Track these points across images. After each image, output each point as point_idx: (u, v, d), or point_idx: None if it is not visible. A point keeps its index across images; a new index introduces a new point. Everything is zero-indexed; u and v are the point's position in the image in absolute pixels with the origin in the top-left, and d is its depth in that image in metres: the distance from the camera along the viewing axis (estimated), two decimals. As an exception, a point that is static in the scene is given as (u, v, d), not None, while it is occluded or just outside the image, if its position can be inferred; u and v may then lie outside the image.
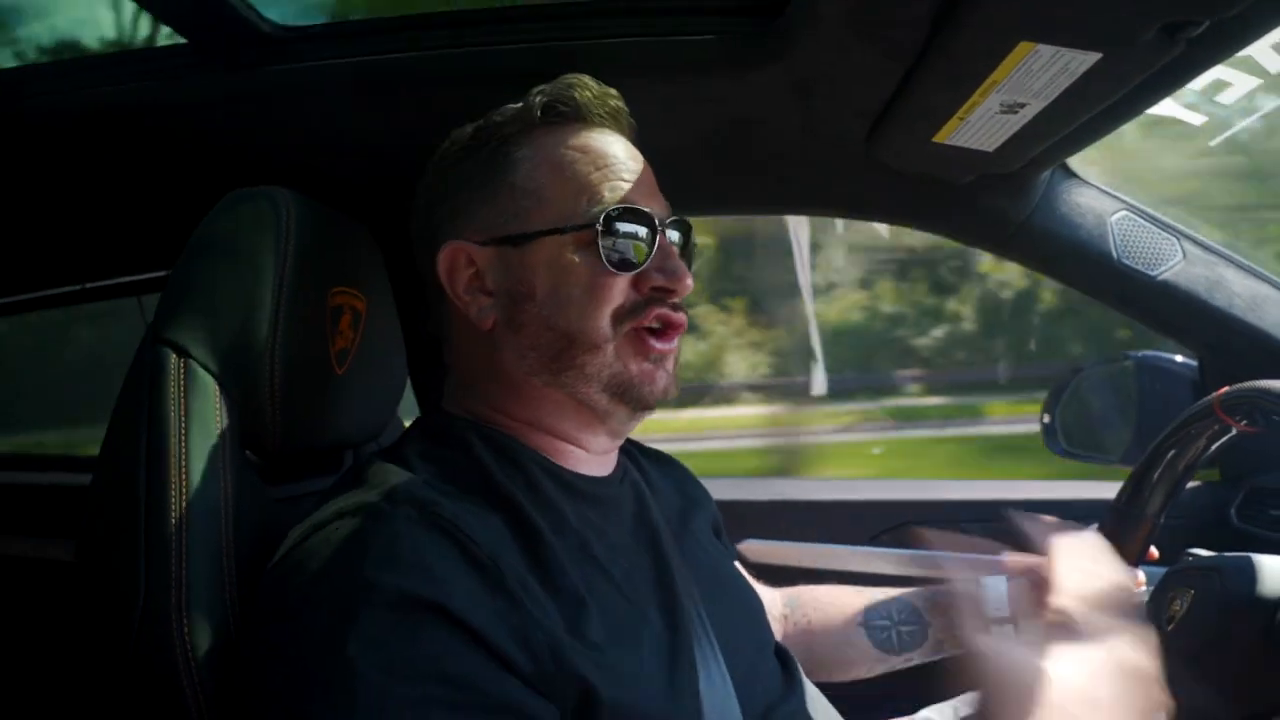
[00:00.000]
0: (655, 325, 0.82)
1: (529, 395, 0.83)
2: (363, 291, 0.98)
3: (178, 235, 0.91)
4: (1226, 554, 0.97)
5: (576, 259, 0.80)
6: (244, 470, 0.85)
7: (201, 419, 0.81)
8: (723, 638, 0.83)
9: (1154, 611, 0.95)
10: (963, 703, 1.22)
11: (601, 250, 0.79)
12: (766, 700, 0.88)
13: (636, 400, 0.82)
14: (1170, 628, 0.91)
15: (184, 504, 0.77)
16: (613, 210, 0.79)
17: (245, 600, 0.78)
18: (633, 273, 0.80)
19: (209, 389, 0.82)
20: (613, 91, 0.86)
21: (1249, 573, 0.86)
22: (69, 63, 1.07)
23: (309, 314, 0.88)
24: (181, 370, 0.82)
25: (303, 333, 0.87)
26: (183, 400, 0.81)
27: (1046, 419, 1.65)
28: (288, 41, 1.03)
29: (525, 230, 0.81)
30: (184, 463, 0.79)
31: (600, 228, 0.79)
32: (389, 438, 1.17)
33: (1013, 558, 1.06)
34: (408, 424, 0.90)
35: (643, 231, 0.80)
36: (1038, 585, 1.11)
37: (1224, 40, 0.79)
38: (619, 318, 0.80)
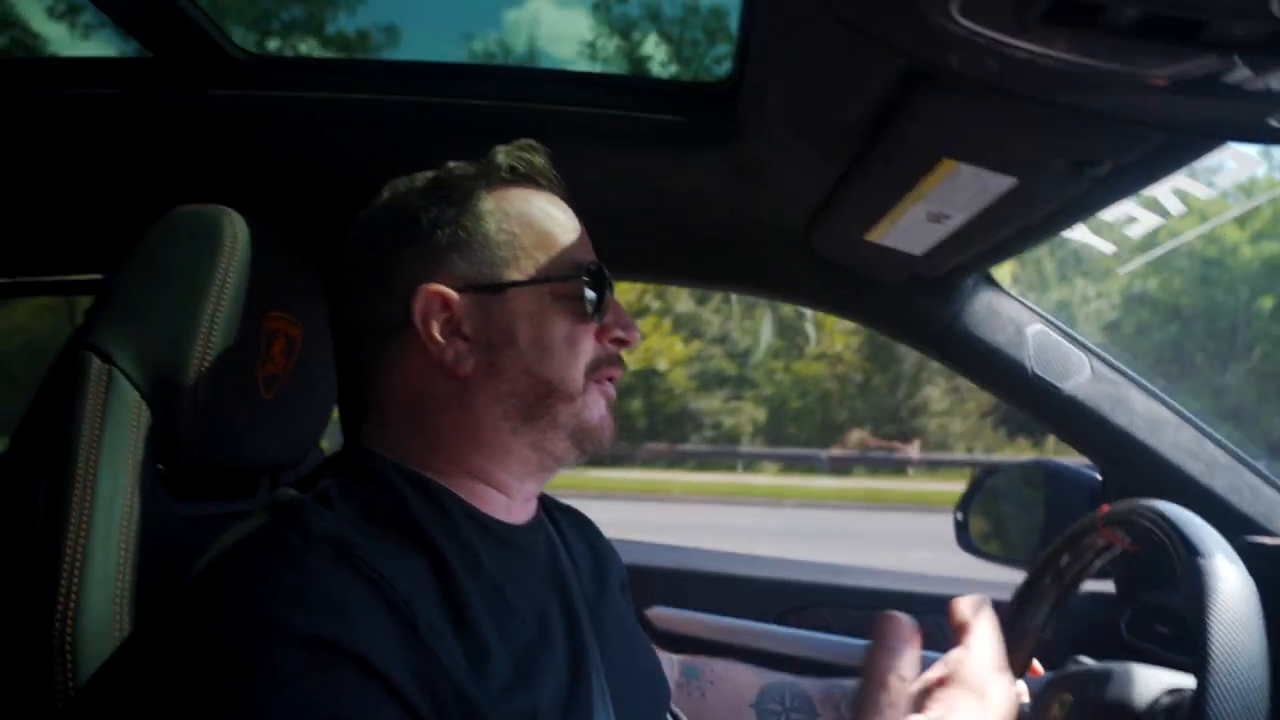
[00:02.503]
0: (608, 375, 0.87)
1: (488, 441, 0.84)
2: (299, 319, 0.98)
3: (116, 241, 0.91)
4: (1107, 662, 1.01)
5: (556, 308, 0.83)
6: (155, 483, 0.84)
7: (117, 427, 0.81)
8: (619, 695, 0.85)
9: (1034, 716, 0.98)
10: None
11: (586, 302, 0.83)
12: None
13: (594, 447, 0.86)
14: None
15: (85, 512, 0.76)
16: (590, 265, 0.85)
17: (139, 617, 0.77)
18: (600, 323, 0.85)
19: (129, 399, 0.82)
20: (549, 160, 0.91)
21: (1125, 680, 0.89)
22: (29, 60, 1.07)
23: (241, 336, 0.88)
24: (104, 377, 0.82)
25: (233, 354, 0.87)
26: (100, 406, 0.80)
27: (959, 516, 1.70)
28: (254, 69, 1.05)
29: (504, 279, 0.83)
30: (92, 469, 0.78)
31: (585, 280, 0.84)
32: (311, 467, 1.17)
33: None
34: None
35: (603, 287, 0.86)
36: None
37: (1130, 179, 0.86)
38: (590, 369, 0.85)
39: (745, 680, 1.19)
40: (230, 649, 0.62)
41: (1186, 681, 0.87)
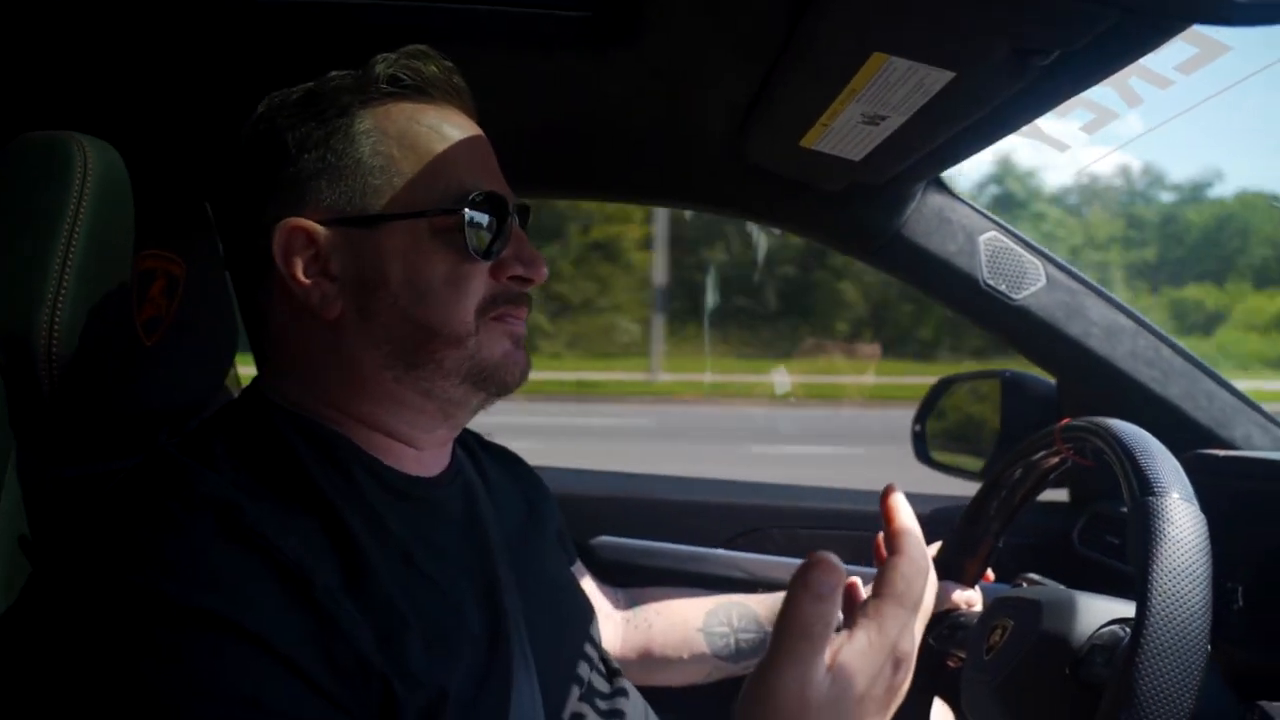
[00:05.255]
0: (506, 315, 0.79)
1: (372, 390, 0.77)
2: (181, 255, 0.90)
3: None
4: (1051, 587, 0.98)
5: (435, 246, 0.74)
6: (10, 448, 0.77)
7: None
8: (542, 649, 0.81)
9: (976, 639, 0.96)
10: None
11: (468, 237, 0.74)
12: (579, 713, 0.85)
13: (499, 386, 0.79)
14: (988, 657, 0.91)
15: None
16: (476, 195, 0.75)
17: (15, 592, 0.71)
18: (493, 261, 0.77)
19: None
20: (454, 68, 0.81)
21: (1065, 609, 0.86)
22: None
23: (106, 278, 0.80)
24: None
25: (96, 298, 0.79)
26: None
27: (917, 428, 1.68)
28: None
29: (375, 211, 0.74)
30: None
31: (466, 213, 0.74)
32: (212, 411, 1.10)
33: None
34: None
35: (501, 218, 0.76)
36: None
37: (1078, 72, 0.78)
38: (481, 310, 0.76)
39: (692, 605, 1.17)
40: (115, 629, 0.58)
41: (1127, 609, 0.84)
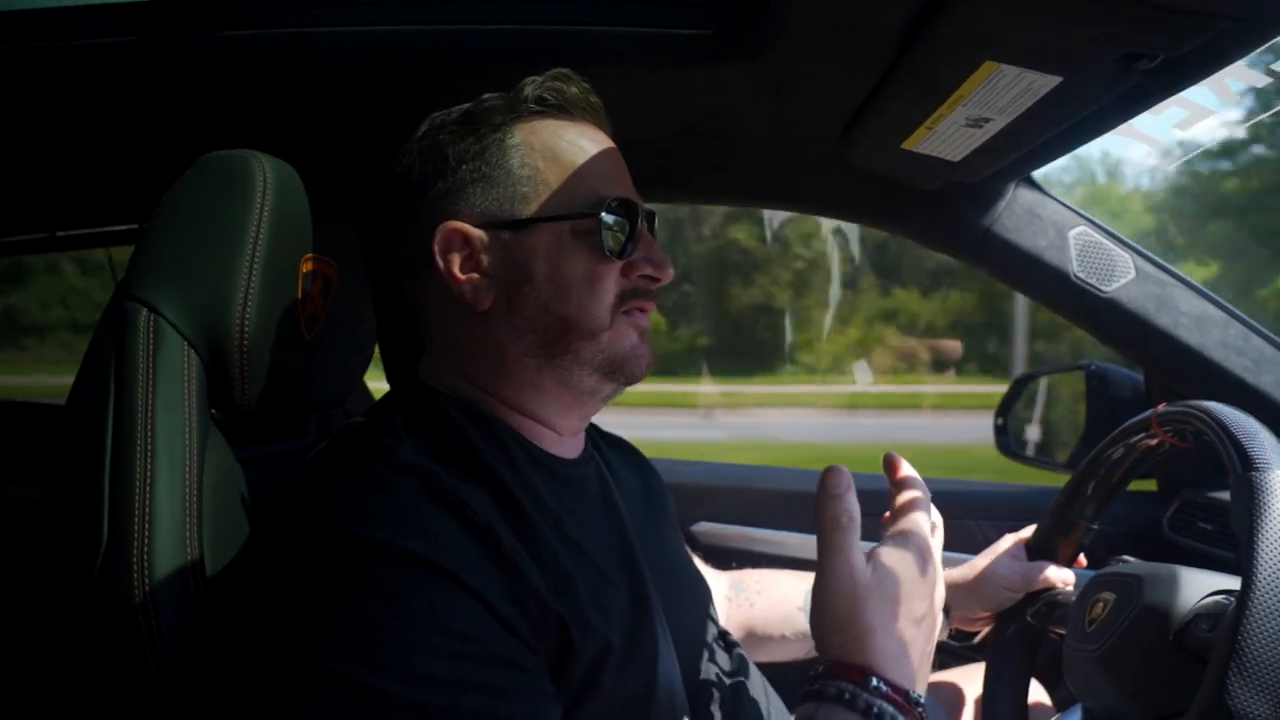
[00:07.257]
0: (638, 308, 0.86)
1: (516, 376, 0.85)
2: (335, 259, 0.99)
3: (151, 190, 0.91)
4: (1151, 563, 1.02)
5: (575, 246, 0.82)
6: (210, 429, 0.86)
7: (168, 376, 0.82)
8: (673, 621, 0.87)
9: (1077, 612, 1.00)
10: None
11: (603, 238, 0.82)
12: (708, 681, 0.92)
13: (627, 376, 0.86)
14: (1090, 629, 0.96)
15: (149, 458, 0.78)
16: (612, 201, 0.82)
17: (208, 553, 0.80)
18: (625, 260, 0.84)
19: (177, 347, 0.83)
20: (591, 88, 0.89)
21: (1166, 582, 0.90)
22: (31, 13, 1.05)
23: (281, 279, 0.89)
24: (151, 327, 0.83)
25: (274, 298, 0.88)
26: (151, 357, 0.82)
27: (1000, 421, 1.71)
28: (266, 5, 1.03)
29: (523, 215, 0.83)
30: (150, 418, 0.80)
31: (603, 216, 0.82)
32: (354, 403, 1.19)
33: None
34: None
35: (633, 222, 0.84)
36: (972, 580, 1.17)
37: (1180, 73, 0.82)
38: (616, 305, 0.84)
39: (792, 585, 1.22)
40: (339, 571, 0.66)
41: (1229, 582, 0.88)
